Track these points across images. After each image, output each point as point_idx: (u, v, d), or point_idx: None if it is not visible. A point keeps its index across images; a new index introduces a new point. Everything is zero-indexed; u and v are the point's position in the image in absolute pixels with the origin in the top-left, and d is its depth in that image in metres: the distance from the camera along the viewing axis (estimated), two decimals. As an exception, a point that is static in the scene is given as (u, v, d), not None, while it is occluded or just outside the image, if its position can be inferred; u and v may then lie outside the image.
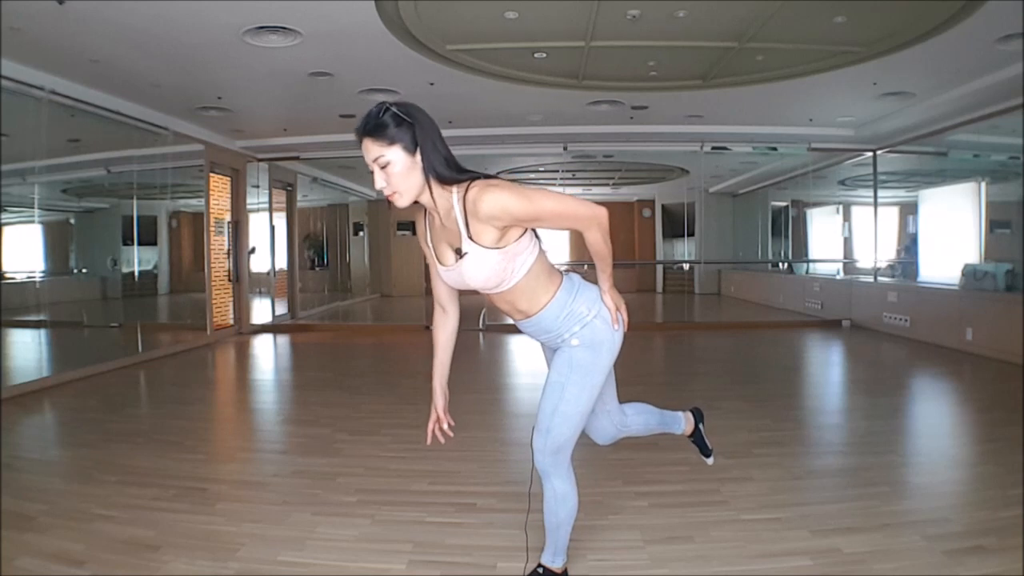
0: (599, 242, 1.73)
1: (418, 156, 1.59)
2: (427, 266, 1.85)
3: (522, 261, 1.70)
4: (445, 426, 1.90)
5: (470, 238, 1.63)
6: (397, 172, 1.59)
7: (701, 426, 2.37)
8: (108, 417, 4.13)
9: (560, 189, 12.74)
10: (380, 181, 1.60)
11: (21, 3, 3.82)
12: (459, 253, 1.67)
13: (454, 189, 1.63)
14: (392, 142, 1.57)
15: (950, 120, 6.54)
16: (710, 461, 2.43)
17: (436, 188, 1.64)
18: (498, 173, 11.74)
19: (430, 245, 1.78)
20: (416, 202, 1.67)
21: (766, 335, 7.84)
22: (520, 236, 1.67)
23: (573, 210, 1.66)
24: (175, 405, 4.55)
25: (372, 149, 1.58)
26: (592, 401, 1.82)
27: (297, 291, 9.68)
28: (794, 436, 3.59)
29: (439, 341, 1.92)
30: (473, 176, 1.63)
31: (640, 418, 2.16)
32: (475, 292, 1.80)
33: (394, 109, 1.58)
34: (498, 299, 1.79)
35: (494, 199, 1.57)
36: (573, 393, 1.78)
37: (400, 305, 12.28)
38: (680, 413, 2.30)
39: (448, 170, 1.62)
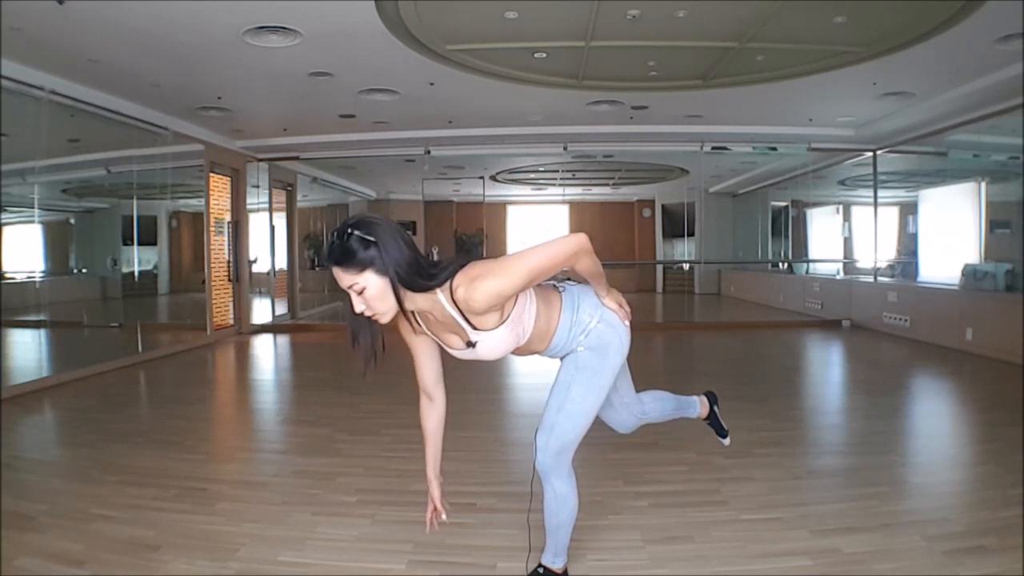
0: (590, 265, 1.71)
1: (392, 276, 1.54)
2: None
3: (528, 316, 1.72)
4: (443, 516, 1.93)
5: (475, 328, 1.64)
6: (373, 295, 1.55)
7: (716, 408, 2.43)
8: (108, 417, 4.12)
9: (560, 189, 12.77)
10: (359, 305, 1.56)
11: (21, 3, 3.82)
12: (469, 345, 1.69)
13: (437, 291, 1.60)
14: (363, 268, 1.52)
15: (950, 120, 6.54)
16: (726, 442, 2.51)
17: (418, 296, 1.61)
18: (498, 173, 11.71)
19: (429, 334, 1.77)
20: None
21: (766, 335, 7.84)
22: (516, 299, 1.68)
23: (558, 255, 1.62)
24: (175, 405, 4.55)
25: (344, 278, 1.54)
26: (599, 402, 1.83)
27: (297, 291, 9.68)
28: (794, 436, 3.59)
29: (428, 431, 1.91)
30: (449, 270, 1.60)
31: (657, 404, 2.22)
32: None
33: (358, 233, 1.52)
34: (514, 358, 1.82)
35: (484, 292, 1.55)
36: (579, 392, 1.79)
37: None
38: (695, 397, 2.37)
39: (422, 279, 1.57)
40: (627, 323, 1.86)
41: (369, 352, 1.65)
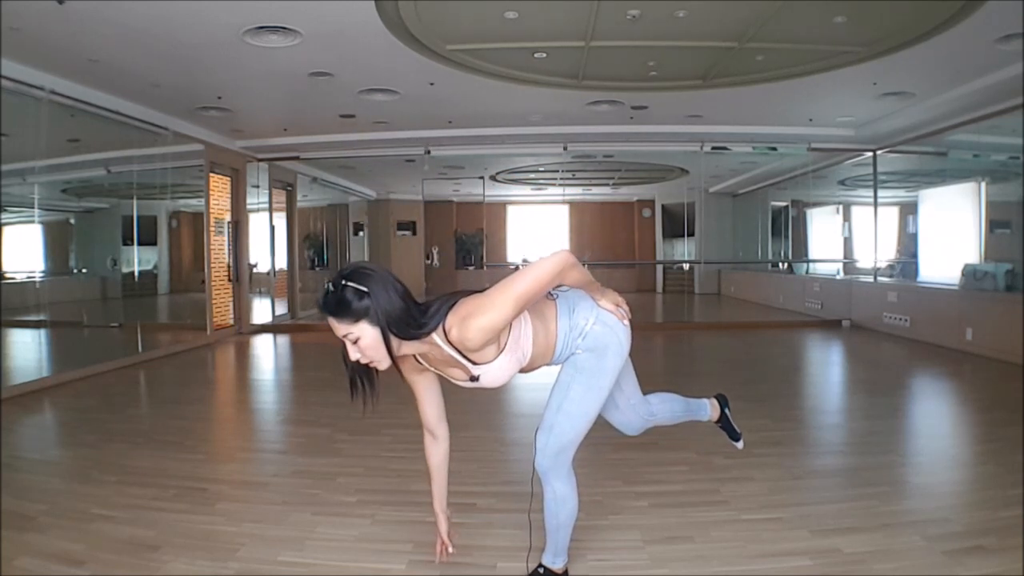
0: (578, 278, 1.74)
1: (385, 327, 1.56)
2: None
3: (526, 339, 1.73)
4: (450, 549, 1.97)
5: (475, 363, 1.67)
6: (368, 344, 1.57)
7: (727, 411, 2.40)
8: (108, 417, 4.13)
9: (560, 189, 12.76)
10: (354, 353, 1.60)
11: (21, 3, 3.82)
12: (472, 379, 1.71)
13: (435, 337, 1.63)
14: (357, 319, 1.55)
15: (950, 120, 6.54)
16: (740, 445, 2.45)
17: (413, 342, 1.64)
18: (498, 173, 11.70)
19: (433, 371, 1.80)
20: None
21: (766, 335, 7.84)
22: (510, 326, 1.69)
23: (542, 278, 1.63)
24: (175, 405, 4.55)
25: (339, 328, 1.57)
26: (599, 403, 1.83)
27: (297, 291, 9.68)
28: (794, 436, 3.59)
29: (433, 467, 1.96)
30: (440, 314, 1.61)
31: (665, 406, 2.19)
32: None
33: (351, 284, 1.55)
34: (521, 371, 1.82)
35: (476, 331, 1.56)
36: (579, 393, 1.79)
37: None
38: (706, 400, 2.33)
39: (413, 328, 1.59)
40: (626, 323, 1.85)
41: (369, 395, 1.70)
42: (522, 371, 1.81)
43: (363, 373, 1.68)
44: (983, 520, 2.38)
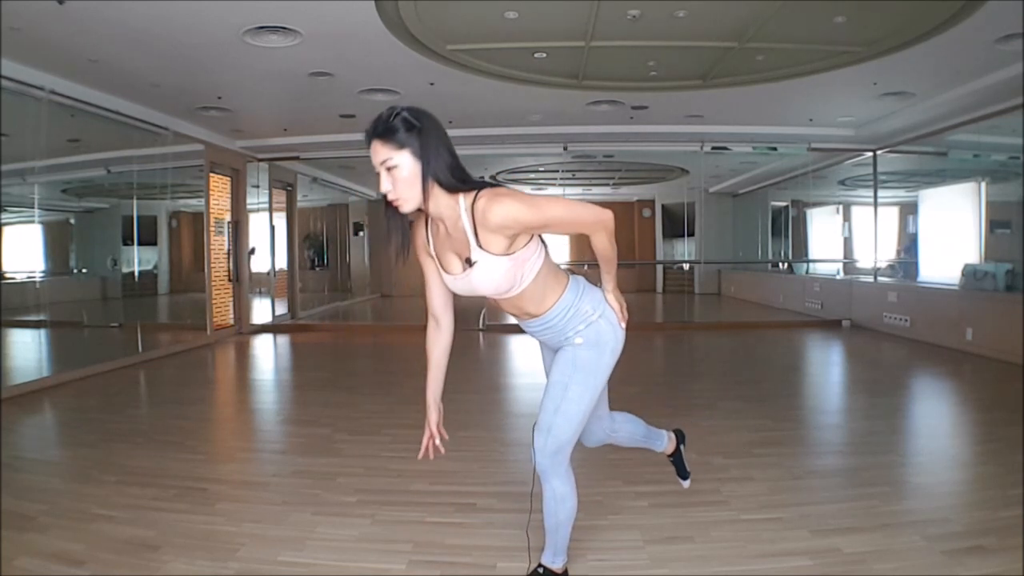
0: (605, 245, 1.74)
1: (424, 165, 1.58)
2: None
3: (530, 266, 1.71)
4: (438, 440, 1.89)
5: (479, 247, 1.63)
6: (403, 178, 1.58)
7: (682, 447, 2.36)
8: (108, 417, 4.13)
9: (560, 190, 12.76)
10: (386, 184, 1.60)
11: (21, 3, 3.82)
12: (468, 262, 1.67)
13: (460, 198, 1.62)
14: (401, 147, 1.57)
15: (950, 120, 6.54)
16: (686, 484, 2.41)
17: (442, 196, 1.63)
18: (498, 173, 11.73)
19: (433, 255, 1.78)
20: (419, 210, 1.67)
21: (766, 335, 7.84)
22: (528, 242, 1.68)
23: (580, 216, 1.68)
24: (175, 405, 4.55)
25: (380, 152, 1.58)
26: (594, 401, 1.83)
27: (297, 291, 9.68)
28: (794, 436, 3.59)
29: (432, 356, 1.90)
30: (480, 185, 1.63)
31: (628, 426, 2.17)
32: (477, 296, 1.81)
33: (405, 114, 1.57)
34: (505, 303, 1.80)
35: (504, 209, 1.56)
36: (576, 393, 1.79)
37: (400, 305, 12.28)
38: (664, 432, 2.29)
39: (453, 179, 1.61)
40: (623, 325, 1.85)
41: (400, 245, 1.72)
42: (506, 304, 1.78)
43: (398, 222, 1.70)
44: (983, 520, 2.38)
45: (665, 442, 2.29)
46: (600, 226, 1.69)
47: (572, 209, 1.68)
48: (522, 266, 1.69)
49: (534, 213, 1.59)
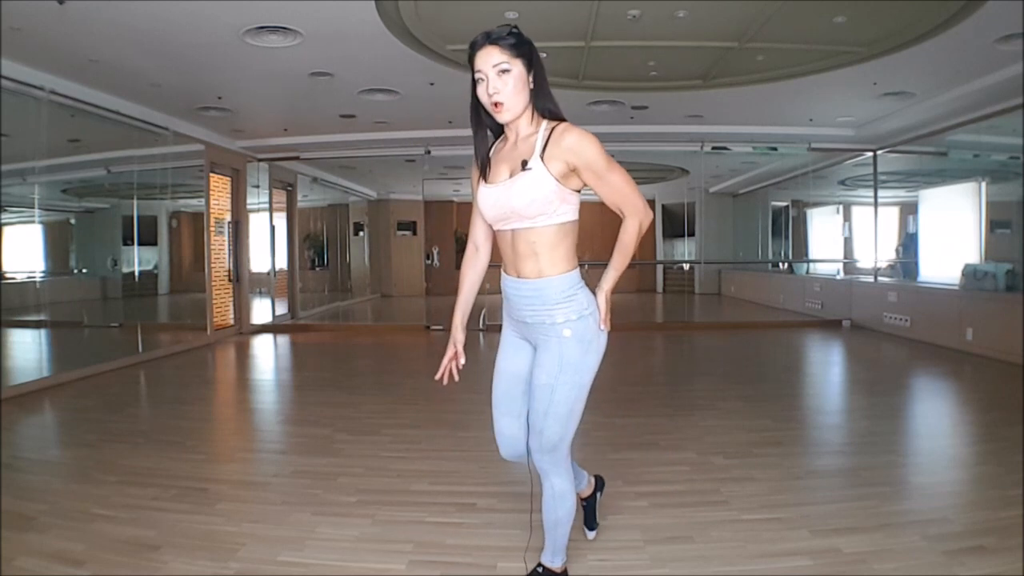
0: (633, 235, 1.75)
1: (531, 80, 1.69)
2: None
3: (565, 210, 1.74)
4: (462, 361, 1.95)
5: (541, 158, 1.69)
6: (514, 82, 1.67)
7: (599, 495, 2.31)
8: (108, 417, 4.13)
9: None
10: (496, 84, 1.66)
11: (21, 3, 3.82)
12: (523, 165, 1.71)
13: (544, 122, 1.73)
14: (518, 55, 1.66)
15: (950, 120, 6.55)
16: (591, 535, 2.27)
17: (531, 115, 1.74)
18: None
19: (490, 165, 1.82)
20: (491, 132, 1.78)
21: (766, 335, 7.84)
22: (575, 192, 1.74)
23: (635, 193, 1.74)
24: (175, 405, 4.55)
25: (495, 55, 1.66)
26: (582, 400, 1.80)
27: (297, 291, 9.68)
28: (794, 436, 3.59)
29: (466, 278, 1.96)
30: (562, 116, 1.75)
31: None
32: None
33: (520, 32, 1.68)
34: (521, 240, 1.75)
35: (582, 139, 1.66)
36: (563, 394, 1.76)
37: (400, 305, 12.28)
38: (585, 473, 2.24)
39: (549, 104, 1.73)
40: (604, 328, 1.80)
41: (484, 161, 1.80)
42: (515, 238, 1.76)
43: (484, 135, 1.80)
44: (983, 520, 2.38)
45: (584, 483, 2.22)
46: (643, 214, 1.75)
47: (631, 183, 1.74)
48: (561, 201, 1.71)
49: (604, 161, 1.68)
